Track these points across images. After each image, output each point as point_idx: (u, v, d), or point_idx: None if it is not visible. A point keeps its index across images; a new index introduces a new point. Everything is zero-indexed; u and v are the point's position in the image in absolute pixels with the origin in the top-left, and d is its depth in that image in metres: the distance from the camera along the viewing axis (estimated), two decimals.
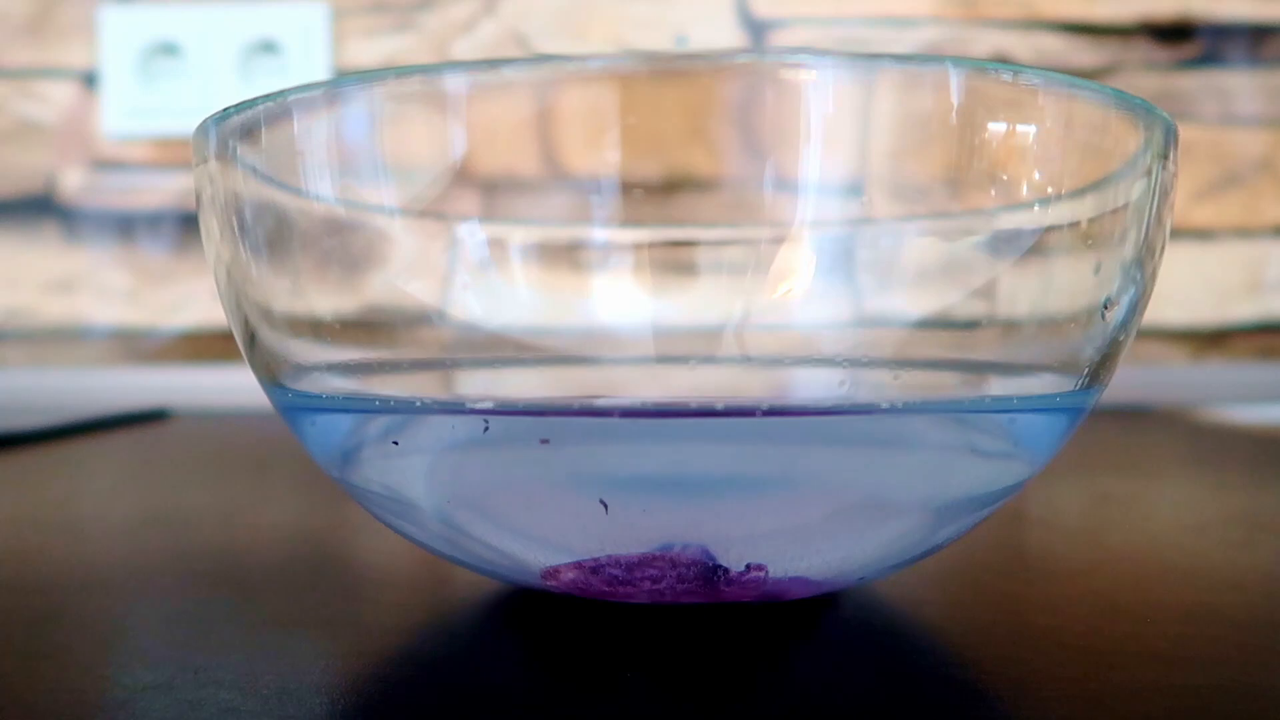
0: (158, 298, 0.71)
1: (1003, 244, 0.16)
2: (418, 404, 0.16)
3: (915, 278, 0.16)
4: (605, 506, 0.14)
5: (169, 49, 0.69)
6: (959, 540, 0.19)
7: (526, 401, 0.15)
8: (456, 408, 0.15)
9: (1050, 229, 0.16)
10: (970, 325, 0.16)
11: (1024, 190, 0.15)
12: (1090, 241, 0.16)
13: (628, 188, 0.15)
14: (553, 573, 0.16)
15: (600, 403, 0.15)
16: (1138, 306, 0.17)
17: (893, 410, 0.15)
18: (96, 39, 0.70)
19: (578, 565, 0.15)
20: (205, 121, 0.17)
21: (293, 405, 0.17)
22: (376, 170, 0.15)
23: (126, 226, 0.71)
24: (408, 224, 0.16)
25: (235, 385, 0.66)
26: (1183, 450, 0.43)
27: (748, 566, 0.15)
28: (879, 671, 0.15)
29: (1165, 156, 0.17)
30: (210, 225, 0.17)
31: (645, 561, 0.15)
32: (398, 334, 0.17)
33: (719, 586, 0.16)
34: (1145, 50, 0.69)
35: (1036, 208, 0.16)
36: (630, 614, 0.18)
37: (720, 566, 0.15)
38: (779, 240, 0.15)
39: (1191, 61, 0.69)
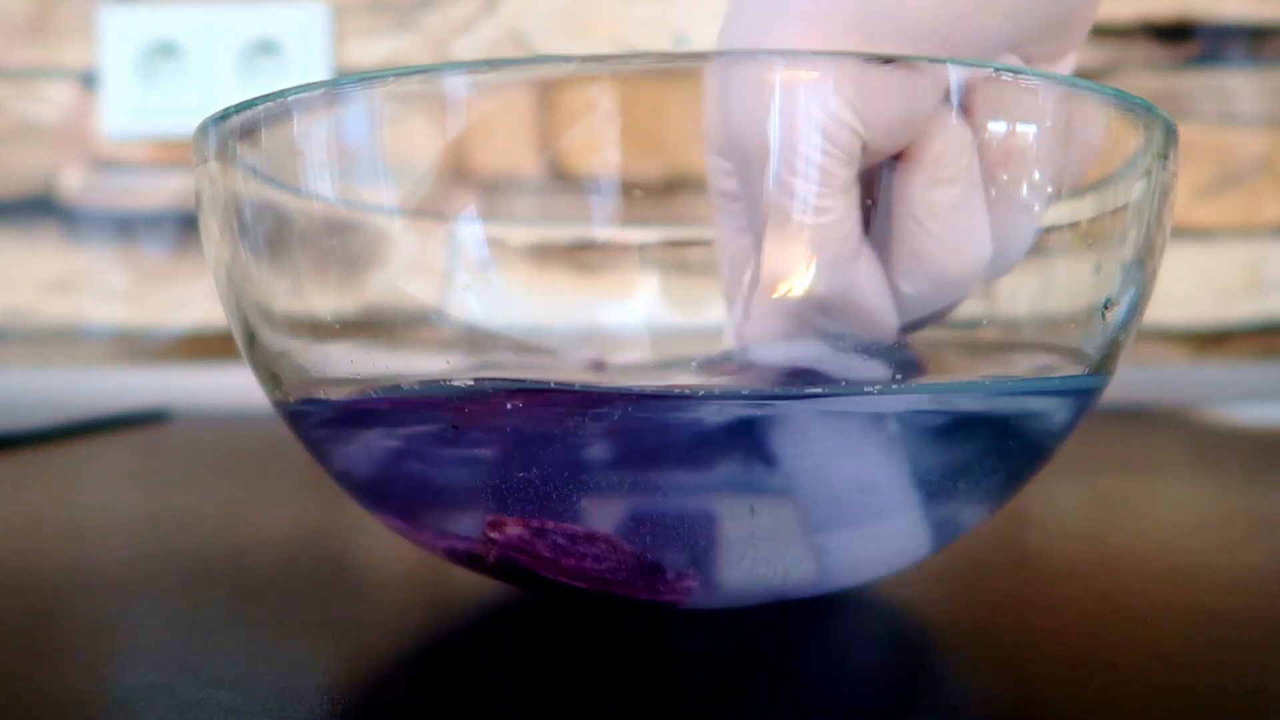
0: (158, 298, 0.71)
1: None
2: (404, 389, 0.16)
3: None
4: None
5: (169, 49, 0.69)
6: (959, 540, 0.19)
7: (447, 387, 0.15)
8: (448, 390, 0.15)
9: (1050, 229, 0.16)
10: (970, 325, 0.16)
11: (1024, 190, 0.15)
12: (1090, 241, 0.16)
13: (628, 188, 0.15)
14: (498, 523, 0.16)
15: (580, 383, 0.15)
16: (1138, 306, 0.17)
17: (884, 393, 0.15)
18: (96, 39, 0.70)
19: (524, 521, 0.15)
20: (205, 122, 0.17)
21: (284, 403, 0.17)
22: (376, 170, 0.15)
23: (126, 226, 0.71)
24: (407, 224, 0.16)
25: (235, 385, 0.66)
26: (1183, 450, 0.43)
27: (679, 574, 0.15)
28: (880, 671, 0.15)
29: (1165, 156, 0.17)
30: (210, 225, 0.17)
31: (591, 537, 0.15)
32: (398, 334, 0.17)
33: (655, 584, 0.15)
34: (1145, 50, 0.69)
35: (1036, 208, 0.16)
36: (630, 614, 0.18)
37: (658, 565, 0.15)
38: (779, 240, 0.15)
39: (1191, 61, 0.69)
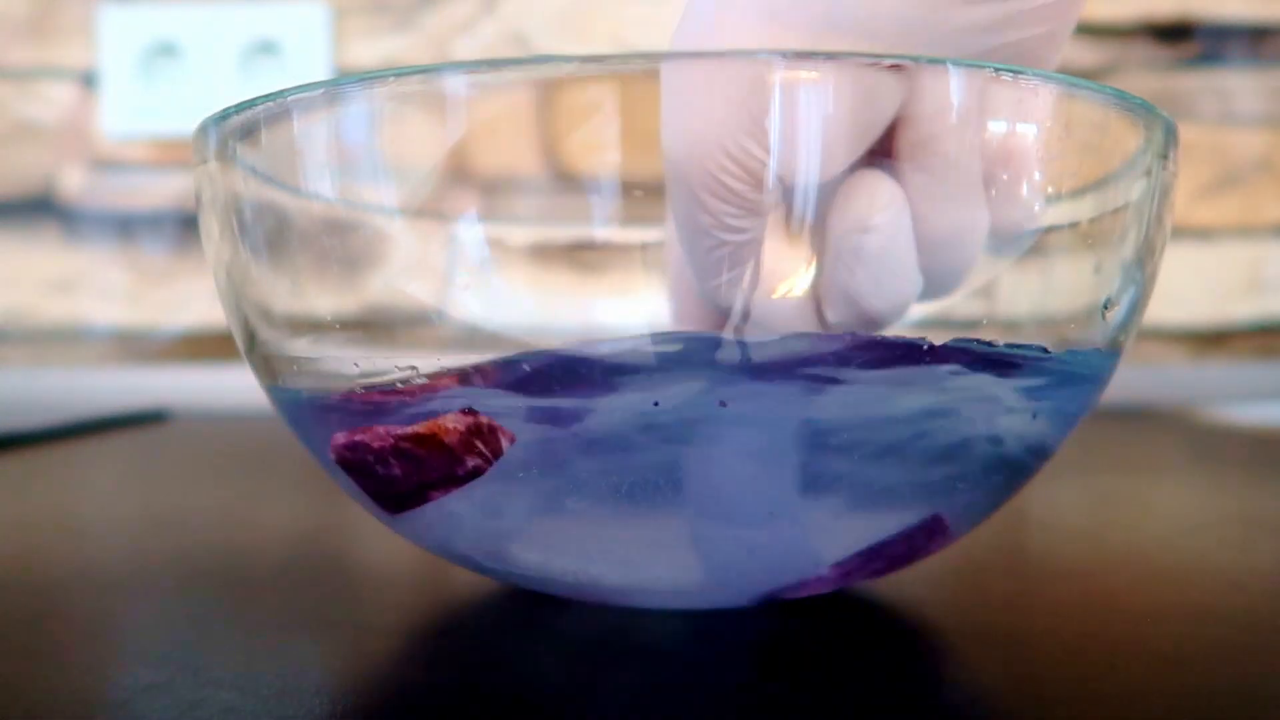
0: (158, 298, 0.71)
1: (1003, 244, 0.16)
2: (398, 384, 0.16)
3: None
4: None
5: (169, 49, 0.69)
6: (958, 541, 0.19)
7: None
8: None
9: (1050, 229, 0.16)
10: (970, 325, 0.16)
11: (1024, 190, 0.15)
12: (1090, 241, 0.16)
13: (628, 188, 0.15)
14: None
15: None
16: (1138, 306, 0.17)
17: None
18: (96, 39, 0.70)
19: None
20: (205, 122, 0.17)
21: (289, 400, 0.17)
22: (376, 170, 0.15)
23: (126, 226, 0.71)
24: (407, 224, 0.16)
25: (235, 385, 0.66)
26: (1183, 450, 0.43)
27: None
28: (879, 671, 0.15)
29: (1165, 156, 0.17)
30: (210, 225, 0.17)
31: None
32: (398, 334, 0.17)
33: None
34: (1145, 50, 0.69)
35: (1036, 208, 0.16)
36: (629, 616, 0.18)
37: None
38: (779, 240, 0.15)
39: (1191, 61, 0.69)
